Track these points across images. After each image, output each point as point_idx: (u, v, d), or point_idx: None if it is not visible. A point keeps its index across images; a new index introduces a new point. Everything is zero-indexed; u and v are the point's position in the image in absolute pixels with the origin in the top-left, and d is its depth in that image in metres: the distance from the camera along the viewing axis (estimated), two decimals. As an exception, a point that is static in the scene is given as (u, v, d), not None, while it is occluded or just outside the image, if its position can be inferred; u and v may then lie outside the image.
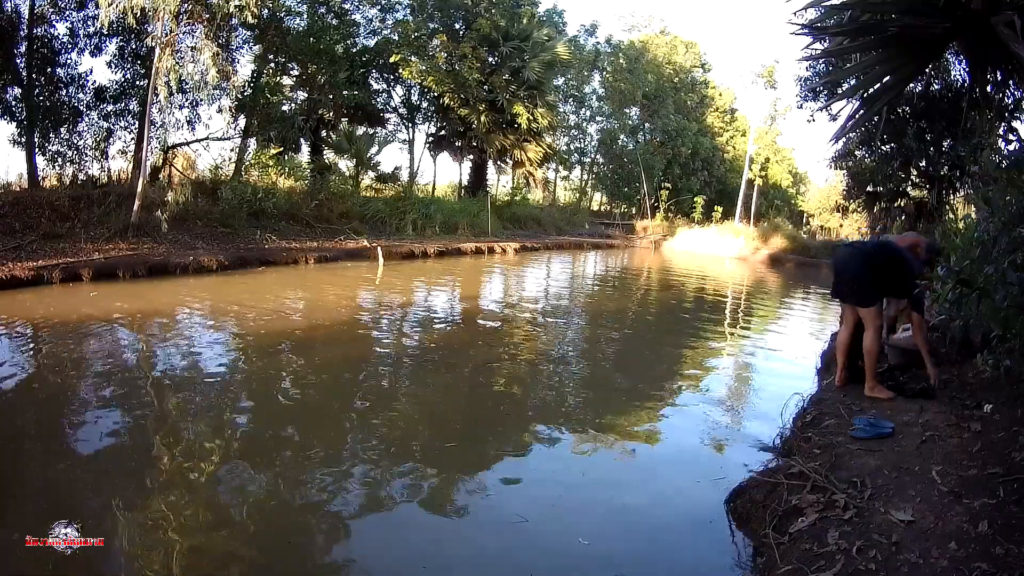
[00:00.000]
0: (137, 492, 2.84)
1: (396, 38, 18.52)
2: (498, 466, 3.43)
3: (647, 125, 30.60)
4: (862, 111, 3.36)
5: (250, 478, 3.09)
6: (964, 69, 7.62)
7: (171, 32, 9.55)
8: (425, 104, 21.42)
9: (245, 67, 14.88)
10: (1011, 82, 3.86)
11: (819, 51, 4.56)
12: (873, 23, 2.97)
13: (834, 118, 10.21)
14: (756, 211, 27.63)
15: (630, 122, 30.74)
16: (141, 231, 9.79)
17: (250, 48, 14.34)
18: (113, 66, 12.21)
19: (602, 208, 34.50)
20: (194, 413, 3.91)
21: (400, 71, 18.06)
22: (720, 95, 33.76)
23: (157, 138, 12.16)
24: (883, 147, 10.04)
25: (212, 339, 5.76)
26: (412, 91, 21.14)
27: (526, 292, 10.80)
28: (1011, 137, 7.08)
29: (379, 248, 12.04)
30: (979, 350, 3.17)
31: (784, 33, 54.81)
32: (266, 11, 12.08)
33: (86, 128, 12.25)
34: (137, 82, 12.25)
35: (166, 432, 3.58)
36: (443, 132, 21.56)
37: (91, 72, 13.40)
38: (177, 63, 9.62)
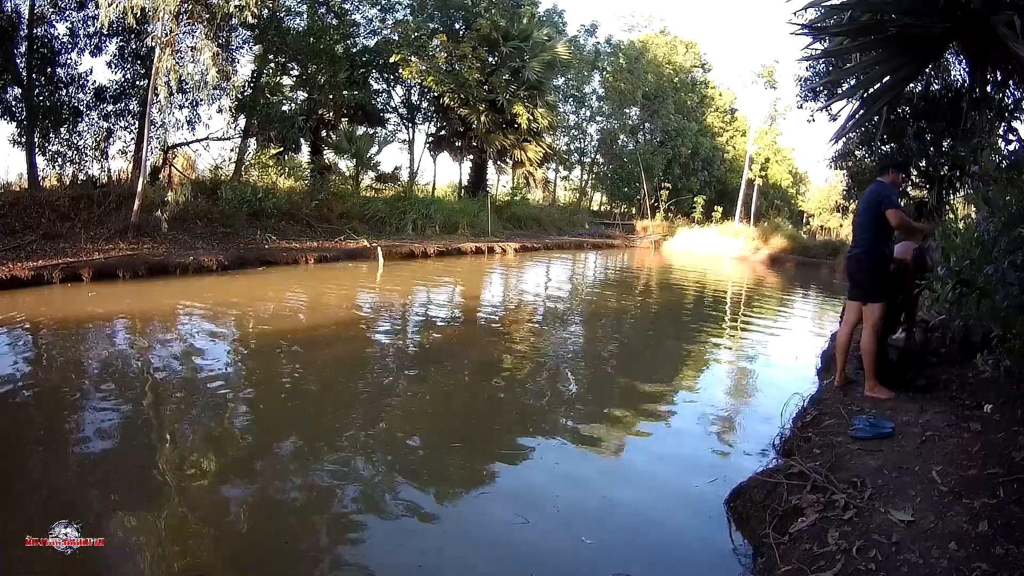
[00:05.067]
0: (137, 492, 2.84)
1: (396, 38, 18.53)
2: (498, 466, 3.43)
3: (647, 125, 30.62)
4: (862, 111, 3.36)
5: (249, 478, 3.09)
6: (964, 69, 7.61)
7: (171, 32, 9.55)
8: (425, 104, 21.43)
9: (245, 67, 14.90)
10: (1011, 82, 3.86)
11: (819, 51, 4.56)
12: (873, 23, 2.96)
13: (834, 118, 10.19)
14: (756, 211, 27.65)
15: (630, 122, 30.76)
16: (141, 231, 9.79)
17: (250, 48, 14.35)
18: (113, 66, 12.20)
19: (602, 208, 34.51)
20: (193, 413, 3.91)
21: (400, 71, 18.06)
22: (720, 95, 33.78)
23: (157, 138, 12.15)
24: (883, 147, 10.02)
25: (212, 339, 5.76)
26: (412, 91, 21.15)
27: (526, 292, 10.80)
28: (1011, 137, 7.07)
29: (379, 248, 12.04)
30: (979, 350, 3.16)
31: (784, 33, 54.79)
32: (266, 11, 12.07)
33: (86, 128, 12.23)
34: (137, 82, 12.23)
35: (165, 432, 3.58)
36: (443, 132, 21.56)
37: (91, 72, 13.39)
38: (177, 63, 9.62)
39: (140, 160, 10.53)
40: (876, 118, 7.64)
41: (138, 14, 8.99)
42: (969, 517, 2.22)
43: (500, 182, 26.65)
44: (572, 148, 30.89)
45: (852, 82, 3.78)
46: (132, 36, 11.65)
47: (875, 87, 3.13)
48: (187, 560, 2.39)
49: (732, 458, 3.62)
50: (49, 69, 11.52)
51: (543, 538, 2.69)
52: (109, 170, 12.57)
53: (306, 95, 16.73)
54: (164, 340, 5.65)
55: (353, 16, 17.98)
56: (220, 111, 13.14)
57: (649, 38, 30.82)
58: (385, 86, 20.91)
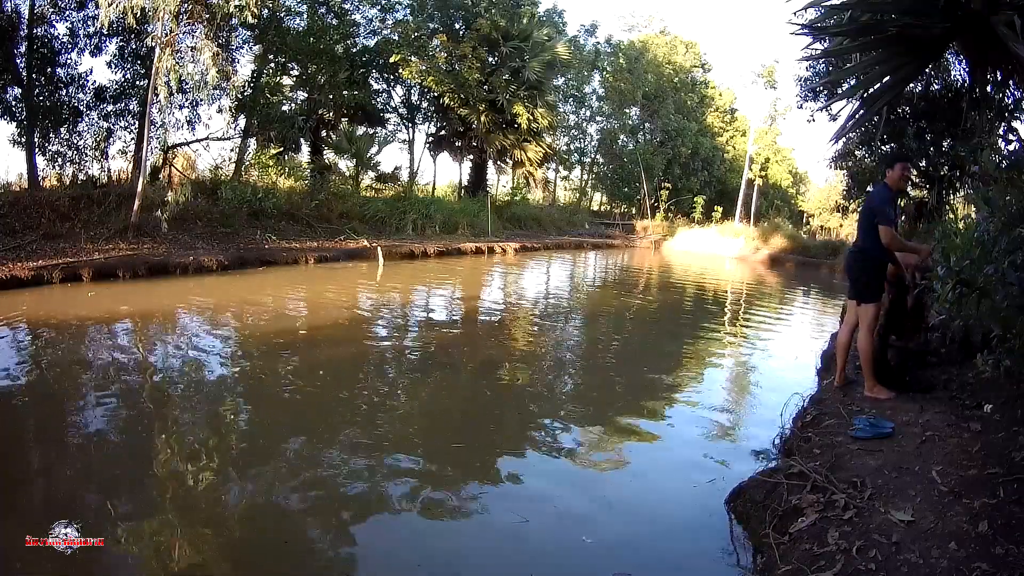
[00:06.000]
0: (137, 492, 2.84)
1: (396, 38, 18.53)
2: (498, 466, 3.43)
3: (647, 125, 30.62)
4: (862, 111, 3.36)
5: (249, 478, 3.09)
6: (964, 69, 7.61)
7: (171, 32, 9.54)
8: (425, 104, 21.43)
9: (245, 67, 14.88)
10: (1011, 82, 3.86)
11: (819, 51, 4.56)
12: (873, 23, 2.96)
13: (834, 118, 10.19)
14: (756, 211, 27.64)
15: (630, 122, 30.75)
16: (141, 231, 9.79)
17: (250, 48, 14.35)
18: (113, 66, 12.19)
19: (602, 208, 34.50)
20: (194, 413, 3.91)
21: (400, 71, 18.07)
22: (720, 95, 33.77)
23: (157, 138, 12.14)
24: (883, 147, 10.01)
25: (212, 339, 5.76)
26: (412, 91, 21.15)
27: (526, 292, 10.80)
28: (1011, 137, 7.07)
29: (379, 248, 12.04)
30: (979, 350, 3.16)
31: (784, 33, 54.81)
32: (266, 11, 12.06)
33: (86, 128, 12.22)
34: (137, 82, 12.22)
35: (166, 432, 3.58)
36: (443, 132, 21.56)
37: (91, 72, 13.37)
38: (177, 63, 9.61)
39: (140, 160, 10.53)
40: (876, 118, 7.64)
41: (138, 14, 8.98)
42: (969, 517, 2.22)
43: (500, 182, 26.69)
44: (572, 148, 30.90)
45: (852, 82, 3.78)
46: (132, 36, 11.64)
47: (875, 87, 3.13)
48: (187, 560, 2.38)
49: (732, 458, 3.62)
50: (49, 69, 11.51)
51: (543, 538, 2.70)
52: (109, 170, 12.58)
53: (306, 95, 16.73)
54: (164, 340, 5.65)
55: (353, 16, 17.98)
56: (220, 111, 13.16)
57: (649, 38, 30.82)
58: (385, 86, 20.92)
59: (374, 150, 18.91)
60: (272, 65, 15.32)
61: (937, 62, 7.28)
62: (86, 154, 12.27)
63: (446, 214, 17.23)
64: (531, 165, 20.39)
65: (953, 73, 8.76)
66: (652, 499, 3.15)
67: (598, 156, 31.98)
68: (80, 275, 7.70)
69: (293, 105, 16.48)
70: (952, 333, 4.38)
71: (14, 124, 11.36)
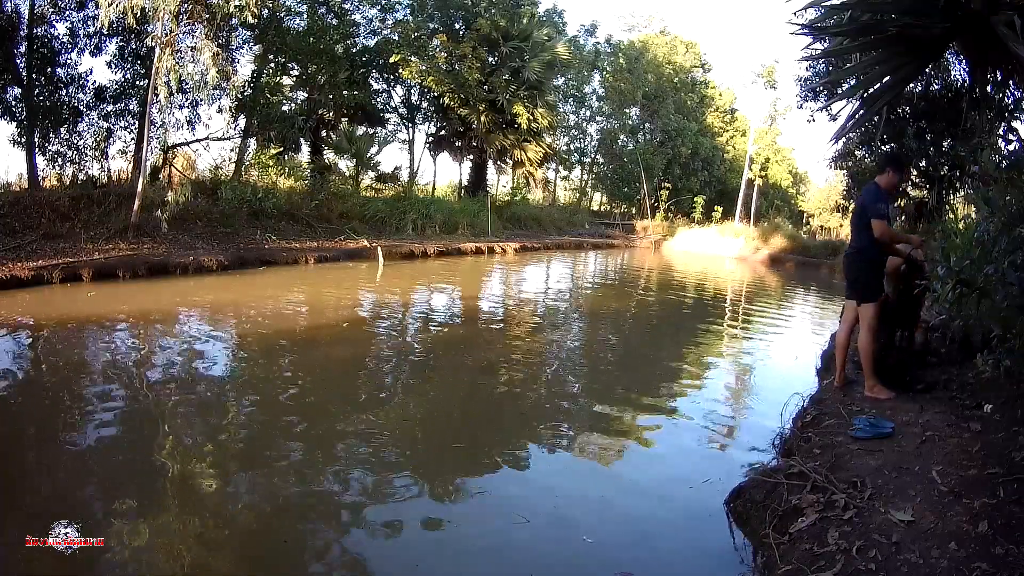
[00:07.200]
0: (137, 492, 2.84)
1: (396, 38, 18.54)
2: (498, 467, 3.43)
3: (647, 125, 30.62)
4: (862, 111, 3.36)
5: (249, 478, 3.09)
6: (964, 69, 7.61)
7: (171, 32, 9.54)
8: (425, 104, 21.44)
9: (245, 67, 14.89)
10: (1011, 82, 3.86)
11: (819, 51, 4.56)
12: (873, 23, 2.96)
13: (834, 118, 10.20)
14: (756, 211, 27.63)
15: (630, 122, 30.76)
16: (141, 231, 9.78)
17: (250, 48, 14.36)
18: (113, 66, 12.19)
19: (602, 208, 34.50)
20: (193, 413, 3.91)
21: (400, 71, 18.07)
22: (720, 95, 33.78)
23: (157, 138, 12.14)
24: (883, 147, 10.02)
25: (212, 339, 5.76)
26: (412, 91, 21.16)
27: (526, 292, 10.80)
28: (1011, 137, 7.06)
29: (379, 248, 12.04)
30: (979, 350, 3.16)
31: (784, 33, 54.81)
32: (266, 11, 12.06)
33: (86, 128, 12.22)
34: (137, 82, 12.23)
35: (166, 432, 3.58)
36: (443, 132, 21.57)
37: (91, 72, 13.36)
38: (177, 63, 9.61)
39: (140, 160, 10.52)
40: (876, 118, 7.64)
41: (138, 14, 8.98)
42: (969, 517, 2.22)
43: (500, 182, 26.69)
44: (572, 148, 30.91)
45: (852, 82, 3.78)
46: (132, 36, 11.64)
47: (875, 87, 3.13)
48: (187, 560, 2.38)
49: (732, 458, 3.62)
50: (49, 69, 11.51)
51: (543, 538, 2.69)
52: (109, 170, 12.58)
53: (306, 95, 16.74)
54: (164, 340, 5.64)
55: (353, 16, 17.99)
56: (220, 111, 13.16)
57: (649, 38, 30.83)
58: (385, 86, 20.93)
59: (374, 150, 18.93)
60: (272, 65, 15.32)
61: (937, 62, 7.29)
62: (86, 154, 12.27)
63: (446, 214, 17.23)
64: (531, 165, 20.39)
65: (953, 73, 8.77)
66: (652, 499, 3.15)
67: (598, 156, 31.98)
68: (80, 275, 7.69)
69: (293, 105, 16.49)
70: (952, 333, 4.38)
71: (14, 124, 11.37)
